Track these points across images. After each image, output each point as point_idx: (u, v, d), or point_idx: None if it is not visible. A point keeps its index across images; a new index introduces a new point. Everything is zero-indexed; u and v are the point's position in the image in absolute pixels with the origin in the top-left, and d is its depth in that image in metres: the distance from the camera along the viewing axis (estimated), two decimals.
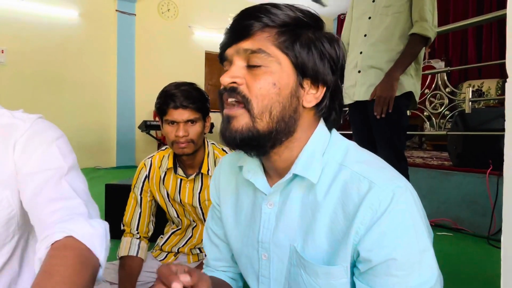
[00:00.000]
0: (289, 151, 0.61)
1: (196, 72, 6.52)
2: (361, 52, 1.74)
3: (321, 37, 0.59)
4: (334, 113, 0.64)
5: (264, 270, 0.67)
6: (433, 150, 4.86)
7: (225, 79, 0.58)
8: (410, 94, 1.70)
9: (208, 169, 1.27)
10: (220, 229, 0.79)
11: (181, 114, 1.17)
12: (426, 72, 3.16)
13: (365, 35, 1.74)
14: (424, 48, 1.69)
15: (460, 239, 2.35)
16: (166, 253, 1.38)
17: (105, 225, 0.62)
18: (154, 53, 6.05)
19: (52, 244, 0.55)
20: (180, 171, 1.30)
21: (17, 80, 4.94)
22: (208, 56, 6.78)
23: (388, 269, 0.52)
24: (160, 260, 1.36)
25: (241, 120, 0.57)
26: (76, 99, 5.41)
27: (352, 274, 0.58)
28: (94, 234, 0.58)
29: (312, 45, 0.58)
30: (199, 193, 1.29)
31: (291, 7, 0.59)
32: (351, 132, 1.92)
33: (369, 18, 1.74)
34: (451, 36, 5.51)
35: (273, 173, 0.65)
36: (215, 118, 2.19)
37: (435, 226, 2.55)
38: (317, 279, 0.58)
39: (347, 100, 1.81)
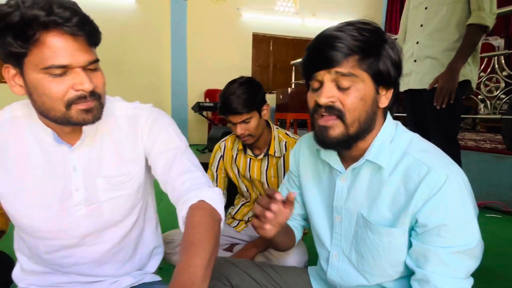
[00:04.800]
0: (364, 142, 0.78)
1: (243, 53, 6.70)
2: (417, 42, 1.81)
3: (388, 47, 0.72)
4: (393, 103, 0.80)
5: (337, 228, 0.86)
6: (487, 132, 4.70)
7: (323, 100, 0.72)
8: (466, 82, 1.74)
9: (275, 151, 1.47)
10: (293, 189, 1.00)
11: (236, 118, 1.38)
12: (483, 54, 3.07)
13: (421, 25, 1.80)
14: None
15: (510, 221, 2.39)
16: (238, 221, 1.63)
17: (220, 191, 0.81)
18: (204, 36, 6.30)
19: (190, 206, 0.73)
20: (249, 151, 1.52)
21: None
22: (255, 37, 6.91)
23: (439, 231, 0.69)
24: (233, 227, 1.61)
25: (337, 129, 0.73)
26: (135, 82, 5.84)
27: (409, 235, 0.75)
28: (217, 198, 0.76)
29: (385, 57, 0.72)
30: (266, 170, 1.51)
31: (361, 29, 0.71)
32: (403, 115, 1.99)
33: (426, 8, 1.79)
34: None
35: (346, 156, 0.83)
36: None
37: (485, 208, 2.59)
38: (380, 238, 0.76)
39: (402, 88, 1.89)
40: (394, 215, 0.75)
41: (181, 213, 0.73)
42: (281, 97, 4.65)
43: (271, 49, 7.21)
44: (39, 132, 0.78)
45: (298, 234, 1.03)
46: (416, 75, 1.82)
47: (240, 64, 6.60)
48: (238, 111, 1.35)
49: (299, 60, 5.54)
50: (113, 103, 0.86)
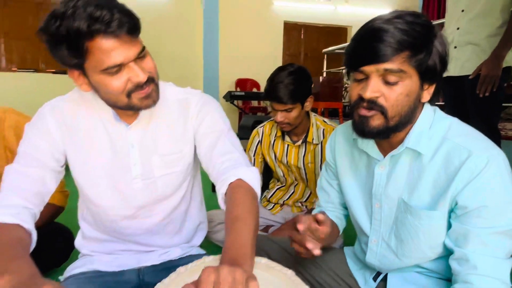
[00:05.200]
0: (403, 132, 0.78)
1: (274, 42, 6.68)
2: (458, 28, 1.77)
3: (437, 42, 0.71)
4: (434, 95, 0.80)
5: (376, 214, 0.88)
6: None
7: (368, 94, 0.71)
8: (509, 68, 1.70)
9: (313, 138, 1.51)
10: (332, 180, 1.03)
11: (279, 106, 1.43)
12: None
13: (462, 10, 1.76)
14: None
15: None
16: (273, 204, 1.69)
17: (257, 170, 0.86)
18: (236, 26, 6.33)
19: (230, 184, 0.76)
20: (287, 138, 1.57)
21: None
22: (287, 25, 6.86)
23: (479, 213, 0.70)
24: (269, 209, 1.67)
25: (377, 120, 0.74)
26: (169, 72, 5.97)
27: (449, 217, 0.76)
28: (254, 177, 0.79)
29: (434, 54, 0.71)
30: (304, 156, 1.55)
31: (411, 23, 0.69)
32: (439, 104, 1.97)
33: None
34: None
35: (384, 144, 0.84)
36: None
37: None
38: (420, 221, 0.78)
39: None
40: (434, 199, 0.77)
41: (221, 191, 0.78)
42: (312, 85, 4.62)
43: (302, 37, 7.14)
44: (101, 111, 0.87)
45: (342, 224, 1.06)
46: (457, 62, 1.78)
47: (270, 53, 6.59)
48: (282, 101, 1.39)
49: (331, 48, 5.48)
50: (166, 87, 0.94)
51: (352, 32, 7.42)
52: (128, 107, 0.80)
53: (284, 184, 1.70)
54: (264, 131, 1.64)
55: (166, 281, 0.62)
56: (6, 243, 0.63)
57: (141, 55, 0.77)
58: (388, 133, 0.76)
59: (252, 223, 0.70)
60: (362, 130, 0.77)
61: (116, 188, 0.90)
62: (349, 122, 0.99)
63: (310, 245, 0.76)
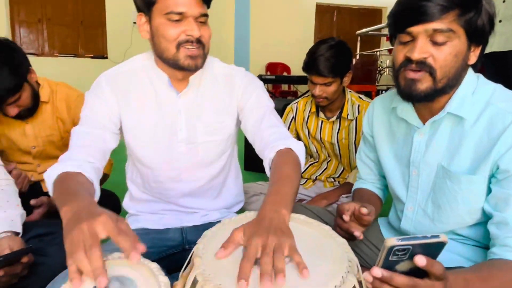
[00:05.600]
0: (446, 97, 0.78)
1: (306, 26, 6.59)
2: (504, 1, 1.69)
3: (485, 1, 0.70)
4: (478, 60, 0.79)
5: (413, 182, 0.89)
6: None
7: (416, 55, 0.71)
8: None
9: (348, 114, 1.51)
10: (370, 152, 1.05)
11: (318, 79, 1.42)
12: None
13: None
14: None
15: None
16: (306, 179, 1.72)
17: (303, 145, 0.91)
18: (267, 8, 6.29)
19: (278, 150, 0.84)
20: (321, 114, 1.58)
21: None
22: (319, 8, 6.74)
23: None
24: (301, 184, 1.70)
25: (425, 83, 0.73)
26: None
27: (489, 183, 0.76)
28: (301, 149, 0.86)
29: (483, 13, 0.70)
30: (337, 132, 1.56)
31: None
32: None
33: None
34: None
35: (424, 110, 0.84)
36: None
37: None
38: (460, 185, 0.79)
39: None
40: (474, 163, 0.77)
41: (269, 156, 0.85)
42: (352, 61, 4.55)
43: (334, 19, 6.99)
44: (154, 78, 0.94)
45: (383, 195, 1.09)
46: (501, 37, 1.71)
47: (301, 36, 6.51)
48: (323, 74, 1.39)
49: (365, 29, 5.33)
50: (213, 61, 1.01)
51: (386, 14, 7.14)
52: (173, 61, 0.86)
53: (317, 160, 1.72)
54: (298, 107, 1.66)
55: (214, 229, 0.68)
56: (74, 183, 0.73)
57: (203, 19, 0.86)
58: (434, 96, 0.76)
59: (294, 181, 0.76)
60: (409, 93, 0.77)
61: (162, 150, 0.97)
62: (387, 93, 1.00)
63: (357, 233, 0.81)
